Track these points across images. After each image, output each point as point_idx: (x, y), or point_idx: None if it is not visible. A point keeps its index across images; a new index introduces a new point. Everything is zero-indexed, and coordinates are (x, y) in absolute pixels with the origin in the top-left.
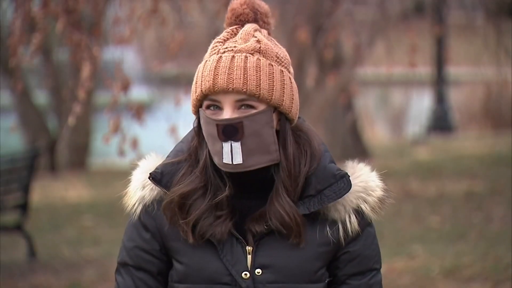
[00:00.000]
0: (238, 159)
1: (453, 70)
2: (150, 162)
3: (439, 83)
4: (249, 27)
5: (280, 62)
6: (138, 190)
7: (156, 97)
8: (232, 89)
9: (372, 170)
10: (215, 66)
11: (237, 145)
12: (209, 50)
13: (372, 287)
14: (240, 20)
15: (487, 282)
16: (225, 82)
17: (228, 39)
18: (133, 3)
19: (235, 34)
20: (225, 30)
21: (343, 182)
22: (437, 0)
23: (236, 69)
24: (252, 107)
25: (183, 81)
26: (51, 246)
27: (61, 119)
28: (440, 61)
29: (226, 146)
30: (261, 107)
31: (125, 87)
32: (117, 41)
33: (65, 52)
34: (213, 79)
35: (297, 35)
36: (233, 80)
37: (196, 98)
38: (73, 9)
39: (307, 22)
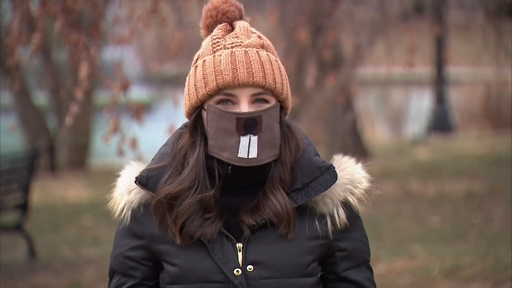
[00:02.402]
0: (254, 153)
1: (453, 70)
2: (132, 170)
3: (439, 83)
4: (243, 23)
5: (278, 57)
6: (125, 195)
7: (156, 97)
8: (253, 82)
9: (357, 163)
10: (231, 61)
11: (255, 139)
12: (208, 47)
13: (371, 278)
14: (227, 17)
15: (487, 282)
16: (245, 76)
17: (224, 35)
18: (133, 3)
19: (229, 31)
20: (217, 27)
21: (329, 174)
22: (436, 0)
23: (254, 63)
24: (265, 101)
25: (183, 81)
26: (51, 246)
27: (61, 119)
28: (440, 61)
29: (244, 140)
30: (272, 101)
31: (125, 87)
32: (117, 41)
33: (65, 52)
34: (232, 73)
35: (297, 35)
36: (253, 74)
37: (207, 93)
38: (72, 9)
39: (307, 22)
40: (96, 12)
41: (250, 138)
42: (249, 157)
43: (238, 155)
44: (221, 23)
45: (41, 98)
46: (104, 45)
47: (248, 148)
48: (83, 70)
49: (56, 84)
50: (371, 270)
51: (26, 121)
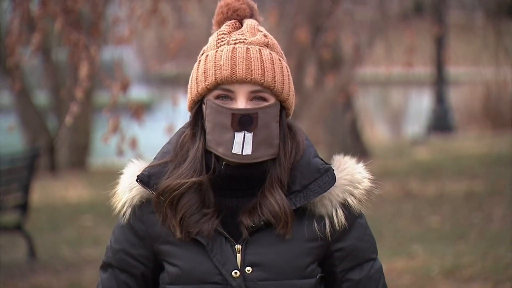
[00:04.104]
0: (248, 150)
1: (453, 70)
2: (135, 168)
3: (439, 83)
4: (251, 21)
5: (284, 58)
6: (126, 192)
7: (156, 97)
8: (251, 79)
9: (358, 163)
10: (231, 56)
11: (249, 136)
12: (213, 42)
13: (373, 277)
14: (237, 15)
15: (487, 282)
16: (243, 72)
17: (231, 32)
18: (133, 3)
19: (237, 28)
20: (225, 24)
21: (328, 176)
22: (436, 0)
23: (254, 61)
24: (263, 99)
25: (182, 81)
26: (51, 246)
27: (61, 119)
28: (439, 61)
29: (239, 136)
30: (271, 100)
31: (125, 87)
32: (116, 41)
33: (65, 52)
34: (230, 68)
35: (297, 35)
36: (251, 71)
37: (206, 87)
38: (72, 9)
39: (306, 22)
40: (96, 12)
41: (244, 135)
42: (243, 153)
43: (232, 151)
44: (231, 20)
45: (41, 98)
46: (104, 45)
47: (242, 144)
48: (83, 70)
49: (56, 84)
50: (378, 266)
51: (26, 121)
